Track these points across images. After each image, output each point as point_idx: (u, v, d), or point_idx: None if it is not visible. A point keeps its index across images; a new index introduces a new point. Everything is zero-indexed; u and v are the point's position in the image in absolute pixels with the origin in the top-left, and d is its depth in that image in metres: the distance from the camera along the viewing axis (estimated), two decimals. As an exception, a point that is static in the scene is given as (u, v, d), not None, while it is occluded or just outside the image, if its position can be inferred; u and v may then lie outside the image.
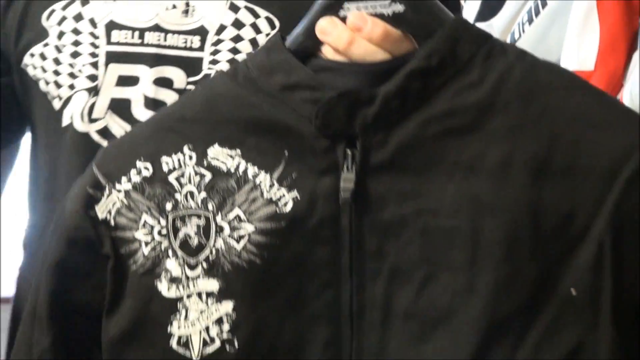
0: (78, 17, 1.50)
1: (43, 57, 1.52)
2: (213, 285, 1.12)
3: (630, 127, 1.09)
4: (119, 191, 1.15)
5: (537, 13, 2.33)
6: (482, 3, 2.70)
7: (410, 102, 1.08)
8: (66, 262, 1.17)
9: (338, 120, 1.07)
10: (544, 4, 2.31)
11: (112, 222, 1.15)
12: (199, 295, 1.12)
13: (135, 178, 1.15)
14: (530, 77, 1.10)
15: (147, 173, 1.15)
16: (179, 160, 1.14)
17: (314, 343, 1.10)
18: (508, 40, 2.42)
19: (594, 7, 1.99)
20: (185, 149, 1.14)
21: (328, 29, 1.11)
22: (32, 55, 1.51)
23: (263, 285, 1.11)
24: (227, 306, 1.11)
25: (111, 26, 1.49)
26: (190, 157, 1.14)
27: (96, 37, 1.50)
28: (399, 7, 1.10)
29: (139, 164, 1.15)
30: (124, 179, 1.15)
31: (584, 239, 1.04)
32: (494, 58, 1.11)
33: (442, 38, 1.09)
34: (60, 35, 1.49)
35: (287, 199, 1.10)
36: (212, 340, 1.11)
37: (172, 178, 1.14)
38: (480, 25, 2.67)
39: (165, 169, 1.15)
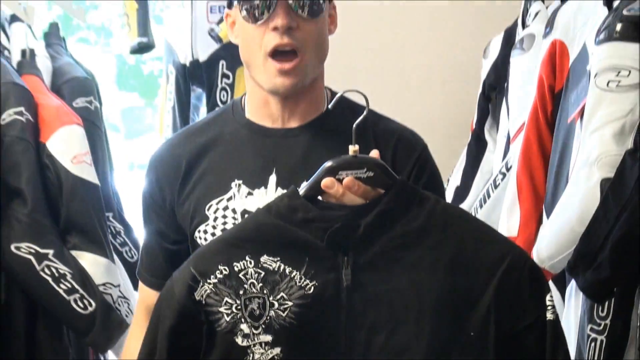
0: (225, 208, 1.90)
1: (206, 232, 1.92)
2: (268, 338, 1.60)
3: (502, 244, 1.68)
4: (209, 284, 1.60)
5: (485, 202, 2.98)
6: (454, 192, 3.32)
7: (380, 229, 1.61)
8: (178, 325, 1.61)
9: (338, 241, 1.59)
10: (488, 197, 2.97)
11: (204, 302, 1.60)
12: (260, 344, 1.60)
13: (219, 276, 1.60)
14: (445, 213, 1.67)
15: (225, 272, 1.60)
16: (244, 264, 1.60)
17: None
18: (471, 212, 3.02)
19: (516, 199, 2.60)
20: (247, 257, 1.60)
21: (330, 185, 1.61)
22: (199, 231, 1.92)
23: (298, 337, 1.60)
24: (277, 350, 1.60)
25: (244, 212, 1.91)
26: (250, 262, 1.60)
27: (235, 220, 1.91)
28: (370, 174, 1.63)
29: (220, 267, 1.60)
30: (212, 276, 1.60)
31: (478, 304, 1.60)
32: (423, 202, 1.65)
33: (394, 191, 1.62)
34: (215, 219, 1.92)
35: (310, 286, 1.60)
36: None
37: (241, 275, 1.60)
38: None
39: (236, 269, 1.60)
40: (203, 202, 1.93)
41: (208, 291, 1.61)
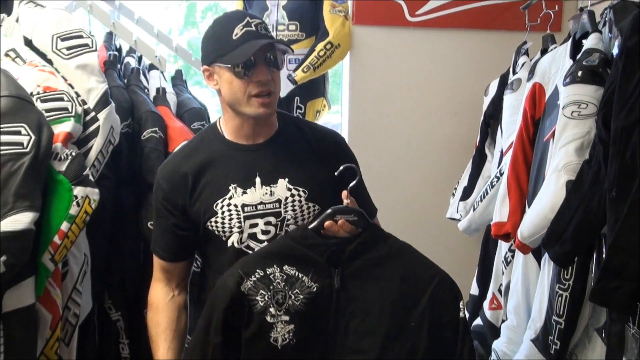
0: (228, 205, 1.97)
1: (216, 222, 1.98)
2: (287, 318, 1.77)
3: (434, 268, 1.87)
4: (251, 281, 1.77)
5: (484, 197, 3.01)
6: (462, 191, 3.37)
7: (359, 253, 1.82)
8: (229, 307, 1.76)
9: (332, 259, 1.80)
10: (486, 194, 2.99)
11: (246, 292, 1.77)
12: (281, 321, 1.77)
13: (257, 276, 1.78)
14: (400, 247, 1.87)
15: (261, 274, 1.78)
16: (272, 270, 1.79)
17: (325, 335, 1.79)
18: (474, 204, 3.10)
19: (507, 196, 2.61)
20: (275, 266, 1.79)
21: (330, 226, 1.82)
22: (211, 222, 1.98)
23: (305, 318, 1.77)
24: (292, 326, 1.78)
25: (243, 206, 1.97)
26: (277, 269, 1.79)
27: (237, 211, 1.97)
28: (355, 218, 1.84)
29: (258, 270, 1.78)
30: (252, 276, 1.77)
31: (418, 305, 1.81)
32: (387, 239, 1.87)
33: (369, 231, 1.84)
34: (222, 213, 1.97)
35: (314, 286, 1.79)
36: (285, 339, 1.77)
37: (271, 277, 1.78)
38: (462, 202, 3.31)
39: (268, 272, 1.78)
40: (211, 202, 1.98)
41: (250, 285, 1.78)
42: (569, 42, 2.56)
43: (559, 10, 3.19)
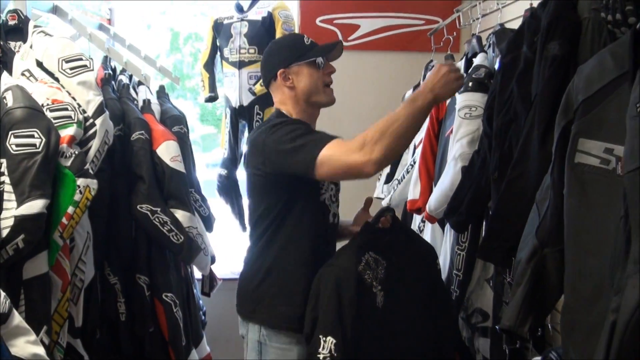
0: None
1: (322, 183, 2.06)
2: (380, 287, 1.94)
3: (422, 239, 2.18)
4: (361, 264, 1.92)
5: (402, 180, 3.00)
6: (386, 176, 3.30)
7: (396, 236, 2.02)
8: (356, 283, 1.90)
9: (386, 244, 2.00)
10: (403, 177, 2.99)
11: (361, 272, 1.92)
12: (378, 290, 1.94)
13: (363, 262, 1.93)
14: (408, 228, 2.07)
15: (365, 260, 1.94)
16: (367, 257, 1.95)
17: (395, 289, 1.96)
18: (394, 186, 3.07)
19: (418, 179, 2.64)
20: (366, 254, 1.95)
21: (383, 221, 2.00)
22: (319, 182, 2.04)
23: (386, 283, 1.95)
24: (382, 292, 1.95)
25: None
26: (368, 255, 1.95)
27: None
28: (391, 214, 1.98)
29: (362, 258, 1.94)
30: (362, 262, 1.93)
31: (422, 265, 2.09)
32: (401, 224, 1.98)
33: (397, 222, 2.00)
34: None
35: (384, 262, 1.97)
36: (381, 301, 1.94)
37: (368, 261, 1.95)
38: (386, 185, 3.25)
39: (365, 258, 1.95)
40: None
41: (362, 267, 1.93)
42: (463, 60, 2.62)
43: (457, 36, 3.24)
